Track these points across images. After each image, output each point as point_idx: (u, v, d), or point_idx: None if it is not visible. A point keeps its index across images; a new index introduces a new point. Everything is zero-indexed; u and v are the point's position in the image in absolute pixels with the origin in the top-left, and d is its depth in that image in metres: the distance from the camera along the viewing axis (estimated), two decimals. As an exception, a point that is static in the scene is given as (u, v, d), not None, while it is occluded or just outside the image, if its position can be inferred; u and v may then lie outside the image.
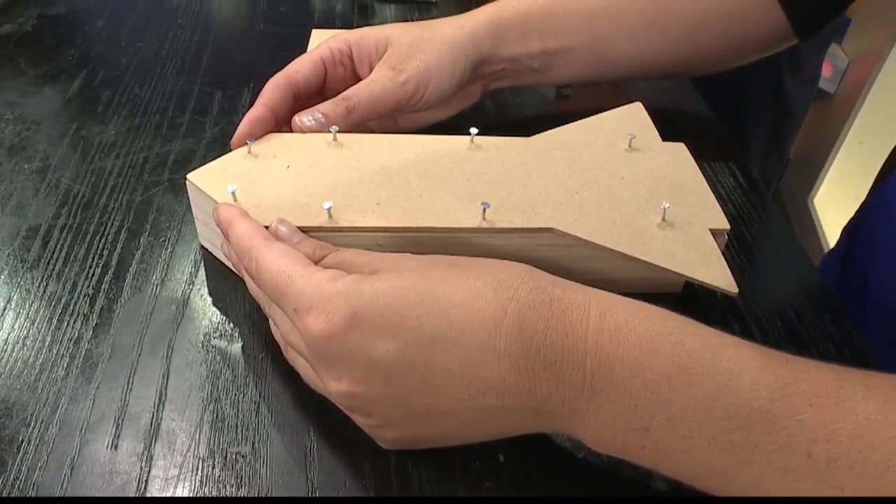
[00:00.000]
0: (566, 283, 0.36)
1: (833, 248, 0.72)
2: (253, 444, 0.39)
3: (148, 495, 0.37)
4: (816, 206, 1.86)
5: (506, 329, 0.33)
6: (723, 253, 0.48)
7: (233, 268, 0.48)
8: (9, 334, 0.44)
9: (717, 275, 0.46)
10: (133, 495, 0.37)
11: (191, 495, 0.37)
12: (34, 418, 0.40)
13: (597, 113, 0.57)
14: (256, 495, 0.37)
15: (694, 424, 0.31)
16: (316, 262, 0.39)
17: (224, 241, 0.44)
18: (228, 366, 0.43)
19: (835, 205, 1.81)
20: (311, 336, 0.35)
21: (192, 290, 0.48)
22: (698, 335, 0.33)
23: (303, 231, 0.44)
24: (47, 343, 0.44)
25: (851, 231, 0.67)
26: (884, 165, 0.68)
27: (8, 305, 0.46)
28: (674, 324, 0.34)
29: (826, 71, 1.80)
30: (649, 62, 0.63)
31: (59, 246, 0.50)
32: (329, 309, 0.34)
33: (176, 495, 0.37)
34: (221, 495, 0.37)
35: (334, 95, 0.53)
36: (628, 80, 0.68)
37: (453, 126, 0.65)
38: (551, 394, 0.33)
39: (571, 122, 0.56)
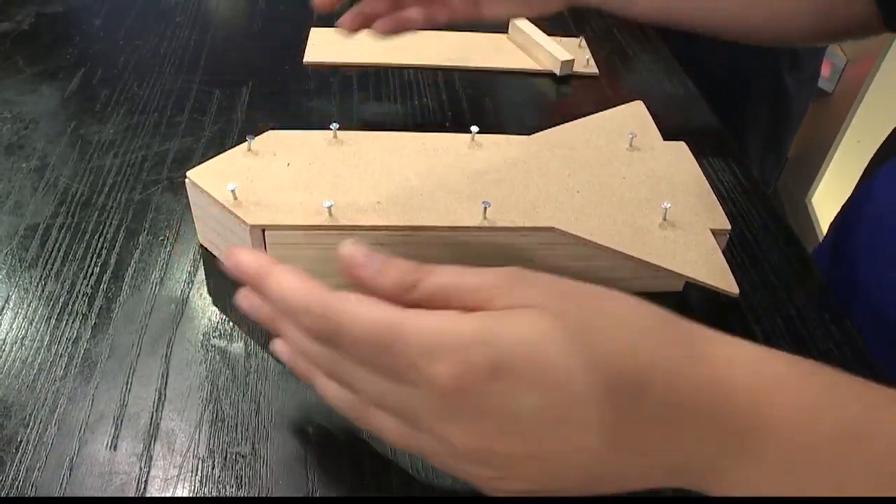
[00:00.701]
0: (710, 336, 0.34)
1: (821, 243, 0.72)
2: (253, 444, 0.39)
3: (147, 495, 0.37)
4: (814, 205, 1.86)
5: (655, 391, 0.31)
6: (723, 252, 0.48)
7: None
8: (7, 334, 0.44)
9: (719, 276, 0.46)
10: (132, 495, 0.36)
11: (190, 495, 0.37)
12: (33, 418, 0.40)
13: (597, 112, 0.57)
14: (256, 495, 0.37)
15: (857, 488, 0.30)
16: (409, 289, 0.33)
17: (249, 295, 0.37)
18: (228, 365, 0.43)
19: (832, 204, 1.81)
20: (440, 388, 0.30)
21: (191, 289, 0.48)
22: (858, 394, 0.32)
23: (302, 230, 0.44)
24: (46, 343, 0.44)
25: (838, 226, 0.67)
26: (871, 161, 0.68)
27: (6, 305, 0.46)
28: (830, 379, 0.32)
29: (824, 70, 1.80)
30: (732, 18, 0.64)
31: (57, 245, 0.50)
32: (464, 359, 0.29)
33: (175, 495, 0.37)
34: (221, 495, 0.37)
35: None
36: (698, 30, 0.67)
37: (454, 125, 0.65)
38: (695, 454, 0.31)
39: (572, 120, 0.56)
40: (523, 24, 0.79)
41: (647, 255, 0.46)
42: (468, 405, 0.30)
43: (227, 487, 0.37)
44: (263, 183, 0.46)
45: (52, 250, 0.50)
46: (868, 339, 0.49)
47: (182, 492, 0.37)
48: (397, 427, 0.33)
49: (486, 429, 0.31)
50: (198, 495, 0.37)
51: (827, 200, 1.84)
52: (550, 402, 0.30)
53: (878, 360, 0.47)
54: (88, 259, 0.49)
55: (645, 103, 0.58)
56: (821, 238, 0.75)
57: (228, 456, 0.39)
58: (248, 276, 0.36)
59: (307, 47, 0.75)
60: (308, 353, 0.36)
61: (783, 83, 1.06)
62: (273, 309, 0.36)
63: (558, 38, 0.78)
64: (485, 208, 0.45)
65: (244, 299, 0.37)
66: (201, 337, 0.45)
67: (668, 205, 0.48)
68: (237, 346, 0.44)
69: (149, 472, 0.37)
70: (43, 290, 0.47)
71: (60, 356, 0.43)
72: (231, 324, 0.46)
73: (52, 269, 0.48)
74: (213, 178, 0.46)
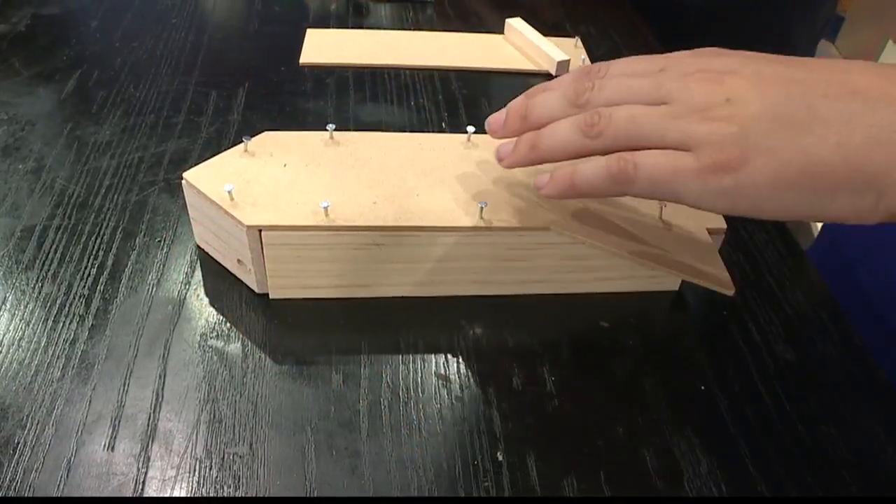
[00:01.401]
0: None
1: (816, 241, 0.73)
2: (250, 445, 0.39)
3: (145, 496, 0.37)
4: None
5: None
6: (720, 252, 0.48)
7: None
8: (4, 335, 0.44)
9: (715, 276, 0.47)
10: (130, 496, 0.36)
11: (188, 496, 0.37)
12: (30, 420, 0.39)
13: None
14: (254, 496, 0.37)
15: None
16: None
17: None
18: (225, 366, 0.43)
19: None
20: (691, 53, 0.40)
21: (188, 290, 0.48)
22: None
23: (299, 230, 0.44)
24: (43, 344, 0.44)
25: (833, 224, 0.67)
26: None
27: (3, 306, 0.46)
28: None
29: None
30: None
31: (54, 247, 0.50)
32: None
33: (173, 496, 0.37)
34: (219, 496, 0.37)
35: None
36: None
37: (450, 125, 0.65)
38: None
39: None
40: (519, 25, 0.79)
41: (643, 254, 0.46)
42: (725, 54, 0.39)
43: (225, 488, 0.37)
44: (260, 184, 0.46)
45: (49, 252, 0.50)
46: (866, 337, 0.49)
47: (180, 492, 0.37)
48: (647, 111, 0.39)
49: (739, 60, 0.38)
50: (196, 496, 0.37)
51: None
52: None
53: (876, 357, 0.47)
54: (85, 260, 0.49)
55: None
56: (816, 236, 0.75)
57: (226, 456, 0.39)
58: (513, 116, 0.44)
59: (303, 48, 0.75)
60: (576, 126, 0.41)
61: None
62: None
63: (554, 39, 0.78)
64: (481, 208, 0.45)
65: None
66: (198, 338, 0.45)
67: (665, 204, 0.48)
68: (234, 347, 0.44)
69: (146, 473, 0.37)
70: (40, 292, 0.47)
71: (57, 357, 0.43)
72: (228, 324, 0.46)
73: (48, 270, 0.48)
74: (209, 179, 0.46)
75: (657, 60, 0.40)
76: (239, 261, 0.47)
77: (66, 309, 0.46)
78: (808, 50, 1.10)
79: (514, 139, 0.44)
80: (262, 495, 0.37)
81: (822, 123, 0.34)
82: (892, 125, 0.33)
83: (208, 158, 0.48)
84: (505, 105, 0.45)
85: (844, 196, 0.34)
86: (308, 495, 0.37)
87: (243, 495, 0.37)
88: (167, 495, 0.37)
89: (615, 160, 0.39)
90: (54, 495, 0.36)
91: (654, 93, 0.39)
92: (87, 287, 0.47)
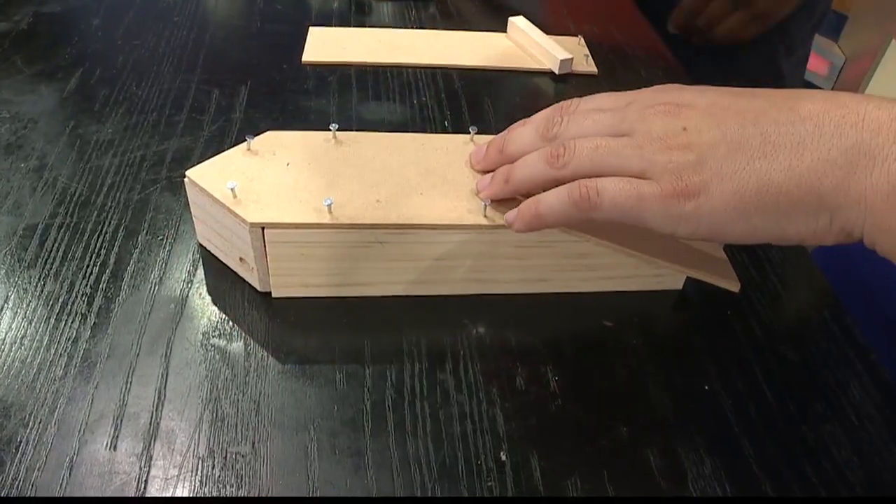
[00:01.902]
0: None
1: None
2: (253, 444, 0.39)
3: (147, 495, 0.36)
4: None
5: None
6: (724, 249, 0.48)
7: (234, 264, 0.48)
8: (6, 334, 0.44)
9: (720, 273, 0.46)
10: (132, 496, 0.36)
11: (191, 495, 0.37)
12: (32, 418, 0.39)
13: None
14: (256, 495, 0.37)
15: None
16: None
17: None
18: (228, 365, 0.43)
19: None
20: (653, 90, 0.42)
21: (190, 288, 0.48)
22: None
23: (302, 228, 0.44)
24: (45, 343, 0.44)
25: None
26: None
27: (5, 305, 0.46)
28: None
29: (823, 68, 1.80)
30: None
31: (56, 245, 0.50)
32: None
33: (176, 495, 0.37)
34: (221, 495, 0.37)
35: None
36: None
37: (452, 124, 0.65)
38: (879, 129, 0.34)
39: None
40: (522, 23, 0.79)
41: (647, 252, 0.46)
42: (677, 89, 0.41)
43: (228, 487, 0.37)
44: (263, 182, 0.46)
45: (51, 250, 0.50)
46: (868, 335, 0.49)
47: (182, 492, 0.37)
48: (617, 143, 0.41)
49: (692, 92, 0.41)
50: (198, 495, 0.37)
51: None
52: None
53: (879, 357, 0.47)
54: (87, 259, 0.49)
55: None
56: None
57: (228, 455, 0.38)
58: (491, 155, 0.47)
59: (306, 47, 0.75)
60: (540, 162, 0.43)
61: (780, 71, 1.06)
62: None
63: (557, 37, 0.78)
64: (484, 207, 0.45)
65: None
66: (201, 336, 0.45)
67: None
68: (237, 346, 0.44)
69: (149, 472, 0.37)
70: (42, 290, 0.47)
71: (60, 356, 0.43)
72: (231, 323, 0.46)
73: (50, 268, 0.48)
74: (212, 177, 0.46)
75: (624, 97, 0.43)
76: (241, 259, 0.47)
77: (69, 307, 0.46)
78: (805, 42, 1.10)
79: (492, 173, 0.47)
80: (264, 495, 0.37)
81: (773, 148, 0.36)
82: (838, 148, 0.35)
83: (210, 157, 0.48)
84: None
85: (800, 218, 0.36)
86: (311, 495, 0.37)
87: (246, 494, 0.37)
88: (169, 494, 0.37)
89: (576, 187, 0.41)
90: (57, 494, 0.36)
91: (618, 126, 0.41)
92: (89, 285, 0.47)
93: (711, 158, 0.37)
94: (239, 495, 0.37)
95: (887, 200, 0.34)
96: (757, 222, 0.37)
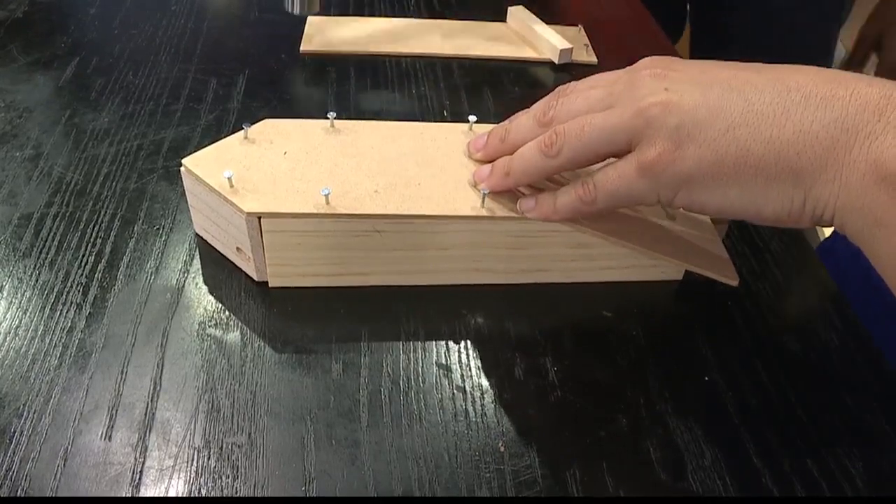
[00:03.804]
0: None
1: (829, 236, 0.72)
2: (249, 435, 0.39)
3: (142, 486, 0.36)
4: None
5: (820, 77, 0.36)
6: (723, 242, 0.48)
7: (229, 256, 0.47)
8: (0, 324, 0.44)
9: (719, 266, 0.46)
10: (127, 486, 0.36)
11: (186, 486, 0.36)
12: (27, 409, 0.39)
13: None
14: (253, 486, 0.37)
15: None
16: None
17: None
18: (224, 355, 0.43)
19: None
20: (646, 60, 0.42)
21: (186, 278, 0.47)
22: None
23: (299, 217, 0.43)
24: (40, 332, 0.43)
25: None
26: None
27: (0, 295, 0.45)
28: None
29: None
30: None
31: (51, 234, 0.50)
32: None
33: (171, 486, 0.36)
34: (217, 486, 0.36)
35: None
36: None
37: (451, 114, 0.65)
38: (866, 105, 0.34)
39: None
40: (521, 13, 0.78)
41: (646, 243, 0.46)
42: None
43: (223, 478, 0.37)
44: (260, 171, 0.45)
45: (47, 240, 0.49)
46: (870, 326, 0.48)
47: (178, 482, 0.36)
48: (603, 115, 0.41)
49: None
50: (193, 486, 0.36)
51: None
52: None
53: (881, 348, 0.47)
54: (83, 248, 0.49)
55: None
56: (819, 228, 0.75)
57: (224, 446, 0.38)
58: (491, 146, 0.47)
59: (304, 36, 0.75)
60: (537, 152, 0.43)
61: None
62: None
63: (557, 27, 0.77)
64: (483, 197, 0.44)
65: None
66: (197, 326, 0.44)
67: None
68: (233, 336, 0.44)
69: (144, 463, 0.37)
70: (37, 280, 0.46)
71: (55, 346, 0.42)
72: (227, 313, 0.45)
73: (46, 258, 0.48)
74: (208, 165, 0.45)
75: (617, 72, 0.43)
76: (238, 249, 0.46)
77: (64, 297, 0.45)
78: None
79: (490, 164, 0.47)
80: (260, 485, 0.37)
81: (756, 116, 0.36)
82: (821, 121, 0.34)
83: (207, 146, 0.48)
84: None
85: (776, 193, 0.36)
86: (307, 485, 0.37)
87: (242, 485, 0.37)
88: (165, 485, 0.36)
89: (580, 185, 0.42)
90: (51, 485, 0.36)
91: (607, 99, 0.41)
92: (84, 275, 0.47)
93: (691, 122, 0.37)
94: (235, 486, 0.37)
95: (863, 179, 0.33)
96: (734, 194, 0.37)
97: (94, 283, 0.47)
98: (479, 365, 0.44)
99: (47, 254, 0.48)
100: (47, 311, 0.44)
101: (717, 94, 0.37)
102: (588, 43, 0.77)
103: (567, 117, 0.42)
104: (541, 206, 0.44)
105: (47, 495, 0.35)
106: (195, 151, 0.47)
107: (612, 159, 0.41)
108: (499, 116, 0.53)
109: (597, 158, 0.41)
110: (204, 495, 0.36)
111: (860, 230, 0.34)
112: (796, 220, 0.37)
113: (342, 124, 0.50)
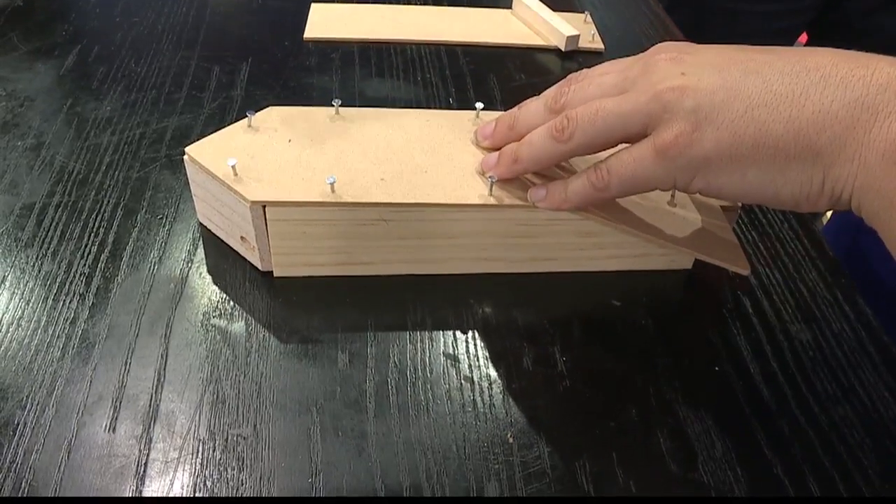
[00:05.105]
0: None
1: (830, 219, 0.72)
2: (254, 426, 0.38)
3: (147, 478, 0.36)
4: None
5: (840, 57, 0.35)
6: (733, 229, 0.47)
7: (233, 245, 0.47)
8: (3, 315, 0.43)
9: (730, 254, 0.45)
10: (132, 478, 0.36)
11: (191, 478, 0.36)
12: (30, 400, 0.39)
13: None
14: (259, 478, 0.36)
15: None
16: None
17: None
18: (229, 345, 0.42)
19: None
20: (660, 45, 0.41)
21: (190, 268, 0.47)
22: None
23: (305, 206, 0.43)
24: (43, 323, 0.43)
25: None
26: None
27: (2, 285, 0.45)
28: None
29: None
30: None
31: (54, 224, 0.49)
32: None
33: (176, 478, 0.36)
34: (223, 478, 0.36)
35: None
36: None
37: (457, 101, 0.64)
38: (888, 85, 0.33)
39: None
40: (528, 0, 0.77)
41: (656, 232, 0.45)
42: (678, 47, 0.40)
43: (229, 470, 0.36)
44: (264, 159, 0.45)
45: (49, 229, 0.49)
46: (880, 315, 0.48)
47: (183, 474, 0.36)
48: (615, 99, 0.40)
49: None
50: (199, 478, 0.36)
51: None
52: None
53: (892, 337, 0.46)
54: (86, 238, 0.48)
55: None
56: (829, 214, 0.74)
57: (230, 438, 0.38)
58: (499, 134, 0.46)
59: (308, 23, 0.74)
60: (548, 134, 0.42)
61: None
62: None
63: (563, 14, 0.76)
64: (491, 185, 0.44)
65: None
66: (201, 317, 0.44)
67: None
68: (238, 326, 0.43)
69: (148, 455, 0.37)
70: (40, 270, 0.46)
71: (58, 337, 0.42)
72: (231, 303, 0.45)
73: (48, 248, 0.47)
74: (212, 154, 0.45)
75: (632, 58, 0.42)
76: (242, 238, 0.46)
77: (67, 287, 0.45)
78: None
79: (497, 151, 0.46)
80: (266, 477, 0.36)
81: (775, 97, 0.35)
82: (841, 100, 0.34)
83: (211, 134, 0.47)
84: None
85: (794, 175, 0.35)
86: (313, 477, 0.36)
87: (248, 477, 0.36)
88: (170, 477, 0.36)
89: (592, 171, 0.41)
90: (55, 477, 0.35)
91: (621, 84, 0.41)
92: (87, 265, 0.47)
93: (709, 105, 0.36)
94: (241, 478, 0.36)
95: (882, 159, 0.33)
96: (752, 176, 0.36)
97: (97, 273, 0.46)
98: (487, 355, 0.43)
99: (50, 244, 0.48)
100: (50, 301, 0.44)
101: (734, 77, 0.36)
102: (595, 30, 0.76)
103: (579, 103, 0.41)
104: (552, 194, 0.43)
105: (51, 487, 0.35)
106: (198, 140, 0.46)
107: (623, 145, 0.40)
108: (505, 104, 0.52)
109: (609, 144, 0.41)
110: (209, 487, 0.36)
111: (876, 212, 0.34)
112: (814, 202, 0.36)
113: (347, 112, 0.50)
